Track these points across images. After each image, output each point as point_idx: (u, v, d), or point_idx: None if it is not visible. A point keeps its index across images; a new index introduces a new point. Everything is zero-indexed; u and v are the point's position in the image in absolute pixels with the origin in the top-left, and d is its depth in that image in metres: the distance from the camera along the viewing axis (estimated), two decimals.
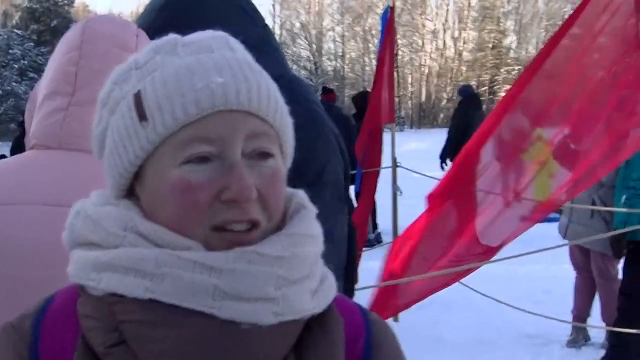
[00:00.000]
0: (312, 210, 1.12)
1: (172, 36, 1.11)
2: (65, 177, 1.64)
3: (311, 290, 1.05)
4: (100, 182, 1.64)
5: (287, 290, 1.00)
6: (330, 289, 1.10)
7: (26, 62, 41.14)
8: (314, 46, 65.91)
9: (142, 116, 1.02)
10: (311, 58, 64.20)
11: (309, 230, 1.07)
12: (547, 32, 67.74)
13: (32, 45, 42.26)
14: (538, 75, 4.02)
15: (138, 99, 1.03)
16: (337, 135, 1.83)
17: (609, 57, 4.05)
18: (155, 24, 1.84)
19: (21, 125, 11.91)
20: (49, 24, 44.31)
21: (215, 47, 1.08)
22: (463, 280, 6.62)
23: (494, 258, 4.50)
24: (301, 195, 1.13)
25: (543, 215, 4.11)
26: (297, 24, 67.62)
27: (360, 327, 1.14)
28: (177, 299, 0.96)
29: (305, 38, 66.51)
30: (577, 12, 4.07)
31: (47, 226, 1.55)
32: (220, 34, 1.12)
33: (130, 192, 1.09)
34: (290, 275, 1.00)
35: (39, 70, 39.33)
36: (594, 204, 6.15)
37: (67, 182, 1.62)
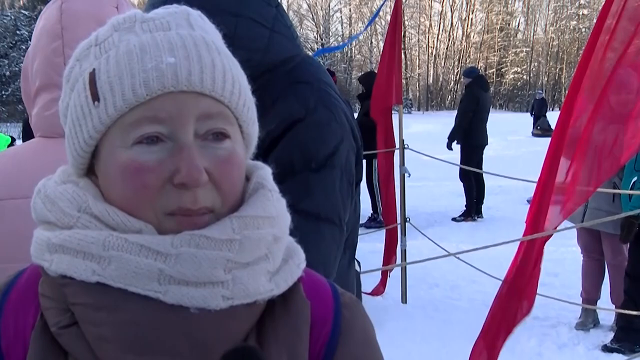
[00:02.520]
0: (273, 189, 1.08)
1: (133, 12, 1.08)
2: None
3: (268, 272, 1.02)
4: None
5: (238, 273, 0.97)
6: (295, 268, 1.07)
7: None
8: (322, 28, 65.71)
9: (94, 96, 1.00)
10: (318, 40, 64.02)
11: (265, 211, 1.03)
12: (555, 13, 67.54)
13: None
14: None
15: (92, 78, 1.01)
16: (350, 117, 1.81)
17: (621, 38, 4.02)
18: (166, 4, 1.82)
19: None
20: None
21: (174, 24, 1.04)
22: (470, 261, 6.64)
23: (500, 240, 4.49)
24: (262, 173, 1.10)
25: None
26: (304, 6, 67.45)
27: (329, 310, 1.11)
28: (123, 282, 0.94)
29: (313, 19, 66.34)
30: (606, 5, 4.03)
31: None
32: (181, 9, 1.09)
33: (91, 170, 1.07)
34: (242, 258, 0.98)
35: None
36: (615, 187, 6.13)
37: None
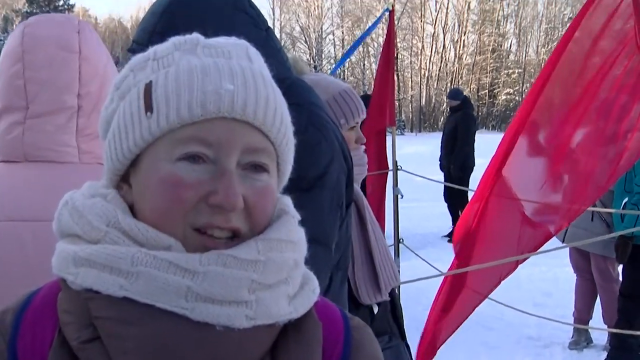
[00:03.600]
0: (295, 216, 1.12)
1: (194, 36, 1.12)
2: (31, 192, 1.63)
3: (288, 295, 1.05)
4: (65, 190, 1.64)
5: (261, 294, 1.00)
6: (310, 294, 1.11)
7: None
8: (314, 50, 65.88)
9: (148, 107, 1.03)
10: (311, 62, 64.16)
11: (288, 236, 1.07)
12: (547, 35, 67.81)
13: None
14: (549, 82, 4.03)
15: (148, 89, 1.05)
16: (341, 139, 1.83)
17: (609, 60, 4.06)
18: (157, 27, 1.84)
19: None
20: None
21: (234, 55, 1.09)
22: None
23: (494, 261, 4.50)
24: (285, 201, 1.14)
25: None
26: (297, 28, 67.67)
27: (340, 332, 1.14)
28: (151, 298, 0.96)
29: (305, 42, 66.51)
30: (580, 15, 4.08)
31: (13, 242, 1.56)
32: (241, 42, 1.14)
33: (124, 179, 1.10)
34: (265, 279, 1.01)
35: None
36: (594, 207, 6.15)
37: (33, 197, 1.62)
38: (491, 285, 4.15)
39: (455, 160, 12.30)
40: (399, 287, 7.46)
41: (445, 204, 12.61)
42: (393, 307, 3.05)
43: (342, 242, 1.84)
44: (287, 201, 1.14)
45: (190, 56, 1.07)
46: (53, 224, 1.12)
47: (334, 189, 1.74)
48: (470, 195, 11.64)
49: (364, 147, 3.07)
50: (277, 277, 1.03)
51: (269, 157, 1.06)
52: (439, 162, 12.84)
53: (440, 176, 12.61)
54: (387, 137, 7.92)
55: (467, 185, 11.85)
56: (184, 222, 1.00)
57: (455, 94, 13.22)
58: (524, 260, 4.01)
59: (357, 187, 3.01)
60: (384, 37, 8.07)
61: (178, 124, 1.01)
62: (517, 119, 4.17)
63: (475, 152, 12.59)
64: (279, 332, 1.05)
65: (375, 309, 2.90)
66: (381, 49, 8.21)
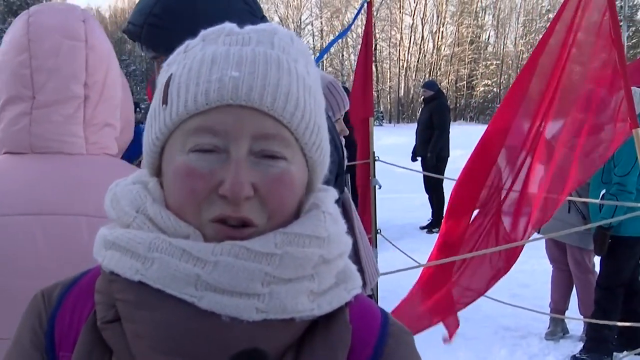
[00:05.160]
0: (326, 211, 1.08)
1: (225, 25, 1.10)
2: (40, 184, 1.61)
3: (312, 292, 1.02)
4: (76, 182, 1.63)
5: (276, 288, 0.98)
6: (343, 292, 1.08)
7: None
8: None
9: (164, 99, 1.05)
10: None
11: (314, 231, 1.04)
12: (524, 27, 68.15)
13: None
14: (534, 74, 4.06)
15: (167, 82, 1.06)
16: (332, 129, 1.82)
17: (586, 52, 4.08)
18: (154, 9, 1.82)
19: None
20: None
21: (254, 41, 1.06)
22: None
23: (471, 253, 4.54)
24: (321, 195, 1.10)
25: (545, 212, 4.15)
26: (276, 18, 67.52)
27: (373, 336, 1.10)
28: (162, 284, 0.97)
29: None
30: (561, 8, 4.10)
31: (25, 236, 1.54)
32: (272, 27, 1.11)
33: (160, 171, 1.11)
34: (282, 273, 0.99)
35: None
36: (571, 197, 6.19)
37: (42, 189, 1.60)
38: (485, 281, 4.19)
39: (432, 150, 12.36)
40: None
41: (427, 196, 12.66)
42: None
43: None
44: (324, 196, 1.11)
45: (210, 46, 1.07)
46: None
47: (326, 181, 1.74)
48: (445, 184, 11.77)
49: (344, 139, 3.07)
50: (298, 273, 1.00)
51: (284, 143, 1.03)
52: (411, 154, 12.87)
53: (418, 166, 12.63)
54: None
55: (442, 174, 11.90)
56: (200, 213, 1.01)
57: (431, 84, 13.33)
58: (514, 256, 4.05)
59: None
60: (363, 28, 8.06)
61: (186, 114, 1.01)
62: (499, 115, 4.19)
63: (450, 143, 12.65)
64: (308, 329, 1.04)
65: None
66: (360, 39, 8.20)
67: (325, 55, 62.04)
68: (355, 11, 12.85)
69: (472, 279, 4.24)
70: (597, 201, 5.91)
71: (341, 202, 2.68)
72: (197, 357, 0.96)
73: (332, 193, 1.14)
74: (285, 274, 0.99)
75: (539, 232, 6.39)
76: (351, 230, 2.87)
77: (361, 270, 2.84)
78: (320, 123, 1.09)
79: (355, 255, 2.86)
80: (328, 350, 1.03)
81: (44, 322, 1.10)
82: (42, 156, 1.67)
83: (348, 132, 3.08)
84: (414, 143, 12.94)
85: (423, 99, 13.17)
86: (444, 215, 11.84)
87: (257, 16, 1.90)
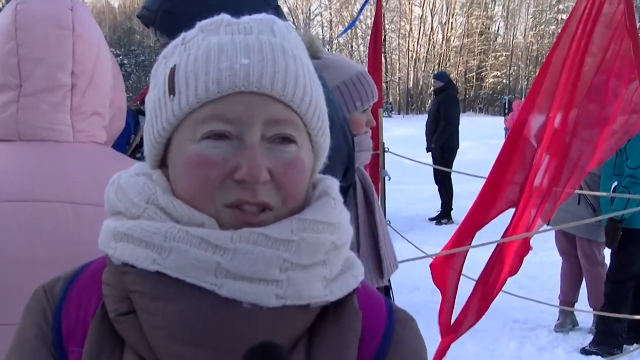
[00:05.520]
0: (336, 198, 1.11)
1: (221, 16, 1.12)
2: (26, 171, 1.62)
3: (325, 278, 1.04)
4: (63, 169, 1.63)
5: (293, 274, 0.99)
6: (351, 279, 1.09)
7: None
8: (302, 31, 65.72)
9: (171, 90, 1.05)
10: None
11: (326, 217, 1.06)
12: (534, 18, 67.94)
13: None
14: (549, 68, 4.04)
15: (172, 73, 1.06)
16: (343, 120, 1.80)
17: (597, 43, 4.05)
18: (165, 3, 1.81)
19: None
20: None
21: (256, 30, 1.08)
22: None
23: (479, 242, 4.53)
24: (329, 183, 1.13)
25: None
26: (285, 9, 67.41)
27: (381, 323, 1.12)
28: (181, 273, 0.97)
29: (293, 22, 66.33)
30: (577, 3, 4.07)
31: (11, 223, 1.54)
32: (268, 17, 1.12)
33: (164, 162, 1.11)
34: (299, 259, 1.00)
35: None
36: (581, 190, 6.16)
37: (29, 176, 1.60)
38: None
39: (436, 141, 12.33)
40: None
41: (436, 187, 12.64)
42: (387, 292, 3.06)
43: None
44: (331, 184, 1.14)
45: (212, 36, 1.07)
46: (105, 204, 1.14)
47: (330, 170, 1.73)
48: (453, 176, 11.77)
49: (370, 131, 3.07)
50: (313, 259, 1.02)
51: (294, 127, 1.05)
52: (426, 145, 12.85)
53: (428, 158, 12.62)
54: None
55: (450, 166, 11.88)
56: (214, 200, 1.01)
57: (441, 75, 13.30)
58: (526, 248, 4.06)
59: (364, 171, 3.01)
60: (372, 18, 8.04)
61: (197, 103, 1.02)
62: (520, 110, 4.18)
63: (459, 134, 12.63)
64: (319, 315, 1.05)
65: None
66: (369, 30, 8.19)
67: (335, 46, 62.05)
68: (364, 2, 12.80)
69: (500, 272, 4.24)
70: (609, 194, 5.89)
71: (360, 190, 2.66)
72: (218, 345, 0.97)
73: (336, 181, 1.16)
74: (302, 260, 1.00)
75: (548, 224, 6.37)
76: (371, 217, 2.86)
77: (380, 261, 2.84)
78: (324, 108, 1.12)
79: (374, 246, 2.85)
80: (339, 338, 1.04)
81: (49, 317, 1.09)
82: (30, 143, 1.67)
83: (375, 123, 3.09)
84: (425, 134, 12.92)
85: (433, 90, 13.15)
86: (452, 206, 11.86)
87: (272, 6, 1.88)
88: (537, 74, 4.30)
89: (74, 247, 1.53)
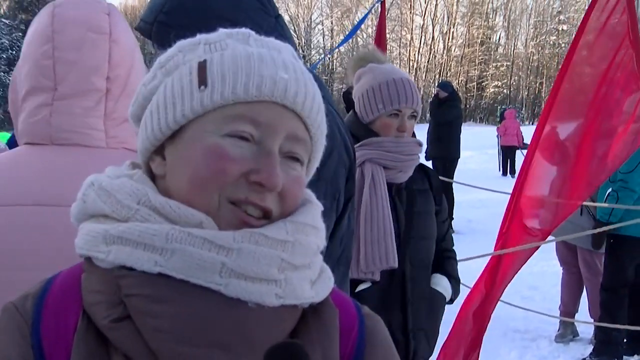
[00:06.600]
0: (317, 205, 1.16)
1: (245, 30, 1.16)
2: (58, 175, 1.61)
3: (311, 280, 1.09)
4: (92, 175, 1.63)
5: (290, 274, 1.03)
6: (328, 280, 1.14)
7: (14, 52, 40.87)
8: (303, 39, 65.86)
9: (202, 81, 1.06)
10: (300, 51, 64.07)
11: (313, 221, 1.11)
12: (535, 28, 68.02)
13: (20, 35, 41.83)
14: (564, 79, 4.04)
15: (203, 66, 1.08)
16: (344, 131, 1.81)
17: (597, 54, 4.06)
18: (165, 7, 1.81)
19: None
20: (36, 13, 43.89)
21: (284, 51, 1.14)
22: None
23: (480, 253, 4.52)
24: (308, 192, 1.17)
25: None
26: (286, 17, 67.52)
27: (354, 320, 1.17)
28: (186, 274, 0.98)
29: (294, 31, 66.42)
30: (587, 14, 4.07)
31: (41, 227, 1.53)
32: (287, 45, 1.18)
33: (157, 152, 1.12)
34: (293, 260, 1.04)
35: None
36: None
37: (60, 180, 1.59)
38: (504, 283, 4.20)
39: (440, 152, 12.33)
40: None
41: None
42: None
43: (345, 237, 1.82)
44: (310, 192, 1.18)
45: (245, 45, 1.12)
46: (74, 206, 1.13)
47: (330, 181, 1.72)
48: (455, 187, 11.76)
49: (405, 135, 3.11)
50: (303, 260, 1.06)
51: (305, 149, 1.12)
52: (424, 154, 12.85)
53: (429, 166, 12.61)
54: None
55: (451, 177, 11.88)
56: (221, 193, 1.03)
57: (445, 85, 13.31)
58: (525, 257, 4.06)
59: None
60: (373, 27, 8.05)
61: (232, 100, 1.05)
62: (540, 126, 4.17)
63: (461, 144, 12.63)
64: (300, 316, 1.08)
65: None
66: (370, 39, 8.20)
67: (336, 55, 62.10)
68: (366, 11, 12.84)
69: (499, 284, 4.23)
70: (605, 205, 5.90)
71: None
72: (224, 345, 0.98)
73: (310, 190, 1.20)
74: (296, 260, 1.05)
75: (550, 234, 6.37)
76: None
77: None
78: (324, 139, 1.18)
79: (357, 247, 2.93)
80: (324, 334, 1.09)
81: (27, 335, 1.04)
82: (62, 148, 1.67)
83: (407, 128, 3.21)
84: (426, 144, 12.92)
85: (437, 98, 13.13)
86: (453, 215, 11.82)
87: (271, 15, 1.88)
88: (552, 86, 4.28)
89: None
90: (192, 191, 1.04)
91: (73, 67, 1.67)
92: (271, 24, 1.83)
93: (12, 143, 8.21)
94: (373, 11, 8.57)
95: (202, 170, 1.03)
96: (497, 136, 21.43)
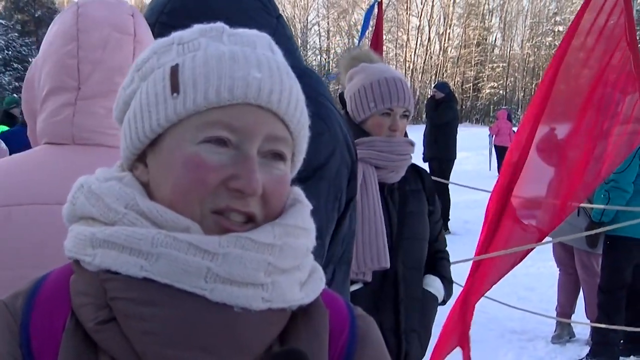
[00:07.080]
0: (307, 205, 1.14)
1: (219, 24, 1.13)
2: (80, 175, 1.60)
3: (300, 282, 1.08)
4: None
5: (277, 278, 1.02)
6: (318, 281, 1.13)
7: (10, 52, 40.69)
8: (299, 40, 65.79)
9: (174, 88, 1.05)
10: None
11: (303, 223, 1.10)
12: (531, 29, 68.05)
13: (16, 36, 41.73)
14: (557, 80, 4.03)
15: (175, 71, 1.06)
16: (346, 132, 1.81)
17: (594, 55, 4.07)
18: (166, 8, 1.81)
19: (7, 116, 11.70)
20: (33, 14, 43.84)
21: (259, 45, 1.11)
22: None
23: (478, 255, 4.53)
24: (297, 191, 1.16)
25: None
26: None
27: (345, 321, 1.16)
28: (171, 278, 0.97)
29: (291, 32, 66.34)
30: (580, 13, 4.08)
31: (64, 226, 1.54)
32: (264, 34, 1.15)
33: (140, 159, 1.11)
34: (281, 263, 1.03)
35: (23, 60, 38.97)
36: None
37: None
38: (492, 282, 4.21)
39: (436, 153, 12.34)
40: None
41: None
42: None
43: (346, 236, 1.82)
44: (299, 191, 1.16)
45: (217, 43, 1.09)
46: (64, 207, 1.13)
47: (332, 181, 1.72)
48: (451, 188, 11.78)
49: (398, 134, 3.10)
50: (292, 263, 1.06)
51: (287, 146, 1.09)
52: (422, 155, 12.86)
53: (425, 168, 12.62)
54: None
55: (447, 178, 11.88)
56: (202, 204, 1.02)
57: (442, 86, 13.31)
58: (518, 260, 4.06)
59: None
60: (370, 29, 8.06)
61: (205, 106, 1.03)
62: (525, 123, 4.17)
63: (457, 145, 12.63)
64: (289, 318, 1.07)
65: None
66: (367, 40, 8.21)
67: (332, 55, 62.05)
68: (362, 12, 12.86)
69: (485, 281, 4.24)
70: (601, 206, 5.91)
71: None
72: (210, 348, 0.97)
73: (299, 188, 1.18)
74: (284, 264, 1.04)
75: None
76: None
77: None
78: (307, 131, 1.16)
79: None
80: (312, 335, 1.08)
81: (16, 334, 1.04)
82: (83, 147, 1.67)
83: (399, 127, 3.19)
84: (422, 145, 12.92)
85: (434, 99, 13.14)
86: (449, 216, 11.83)
87: (272, 15, 1.88)
88: (538, 86, 4.29)
89: None
90: (175, 201, 1.03)
91: (97, 66, 1.67)
92: (273, 24, 1.84)
93: (5, 137, 8.18)
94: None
95: (182, 182, 1.03)
96: (490, 135, 21.49)
